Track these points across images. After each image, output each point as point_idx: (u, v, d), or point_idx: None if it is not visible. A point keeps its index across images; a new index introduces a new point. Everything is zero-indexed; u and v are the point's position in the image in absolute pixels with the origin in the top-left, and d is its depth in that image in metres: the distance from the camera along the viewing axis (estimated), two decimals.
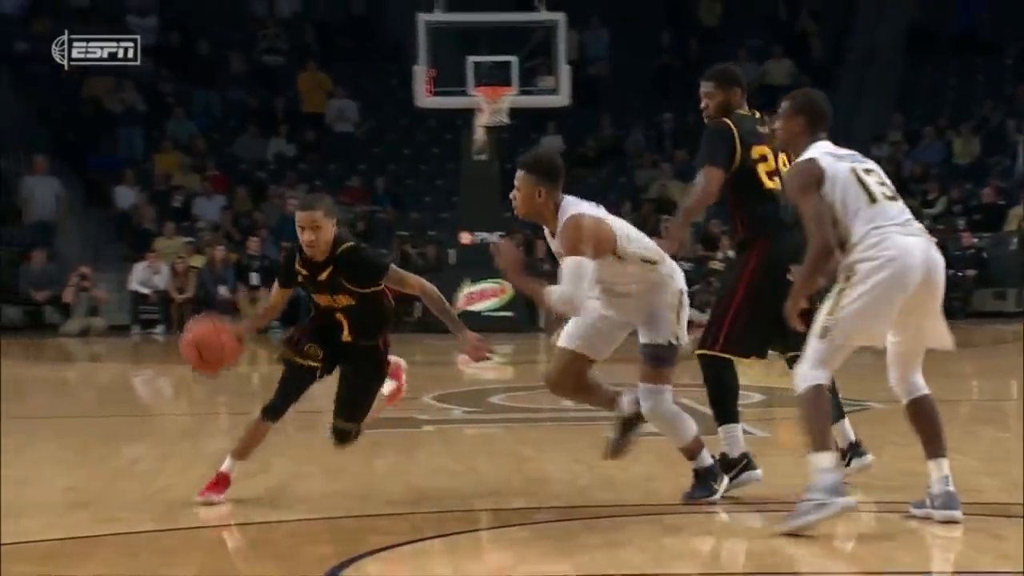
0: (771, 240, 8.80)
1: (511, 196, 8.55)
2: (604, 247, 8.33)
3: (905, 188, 28.94)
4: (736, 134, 8.83)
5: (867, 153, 29.06)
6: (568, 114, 30.45)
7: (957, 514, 7.62)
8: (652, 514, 8.49)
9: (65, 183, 29.68)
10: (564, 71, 25.55)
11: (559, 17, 25.73)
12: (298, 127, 32.30)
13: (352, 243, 8.96)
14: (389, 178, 32.13)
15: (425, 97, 25.35)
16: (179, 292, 26.96)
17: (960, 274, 27.60)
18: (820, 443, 7.54)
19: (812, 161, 7.74)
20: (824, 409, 7.59)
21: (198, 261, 27.62)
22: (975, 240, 28.55)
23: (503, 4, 26.89)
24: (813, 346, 7.62)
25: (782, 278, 8.44)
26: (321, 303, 9.07)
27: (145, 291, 27.09)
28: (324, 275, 8.86)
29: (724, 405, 9.07)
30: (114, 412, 16.31)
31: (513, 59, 25.03)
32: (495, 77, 24.67)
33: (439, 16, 25.75)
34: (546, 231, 8.62)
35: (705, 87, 9.37)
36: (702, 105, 9.39)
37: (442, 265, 27.52)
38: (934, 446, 7.74)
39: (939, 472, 7.71)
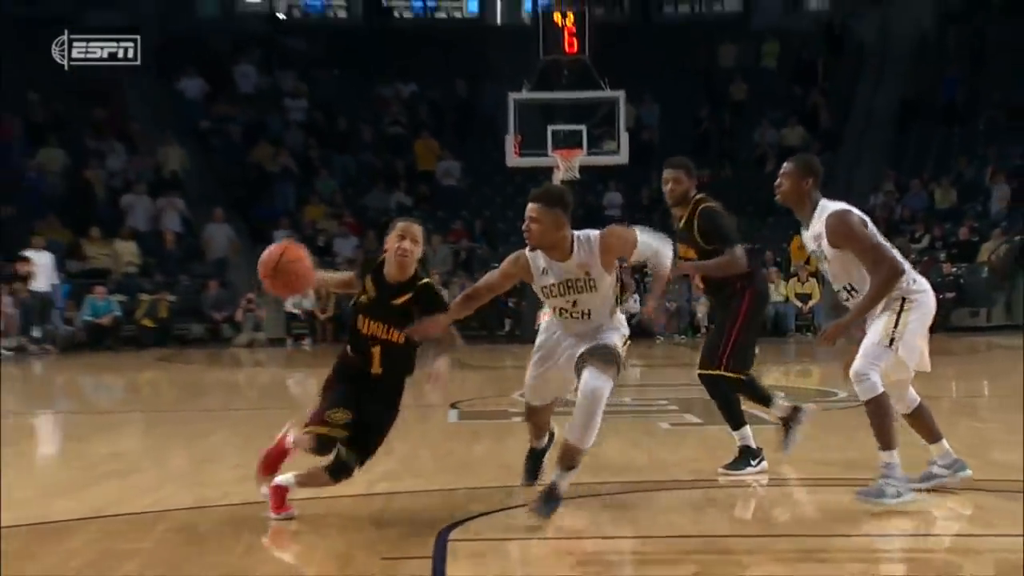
0: (756, 287, 9.14)
1: (524, 228, 7.50)
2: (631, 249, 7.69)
3: (896, 228, 28.73)
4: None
5: (865, 200, 28.67)
6: (626, 171, 30.37)
7: (970, 472, 7.76)
8: (697, 488, 8.44)
9: (235, 229, 29.87)
10: (624, 137, 25.46)
11: (620, 94, 25.69)
12: (414, 183, 32.33)
13: (429, 279, 7.64)
14: (485, 221, 32.10)
15: (514, 158, 25.35)
16: (322, 312, 27.11)
17: (941, 296, 27.24)
18: (889, 443, 7.43)
19: (851, 211, 7.59)
20: (890, 413, 7.48)
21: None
22: (953, 269, 28.28)
23: (576, 84, 26.86)
24: (878, 353, 7.45)
25: (762, 315, 9.35)
26: (367, 331, 7.47)
27: (296, 311, 27.25)
28: (401, 300, 7.40)
29: (733, 412, 9.03)
30: (272, 406, 16.36)
31: (583, 127, 24.99)
32: (569, 142, 24.61)
33: (525, 95, 25.80)
34: (544, 260, 7.53)
35: (675, 174, 9.09)
36: (668, 187, 9.15)
37: (526, 290, 27.42)
38: (933, 434, 7.78)
39: (941, 449, 7.78)
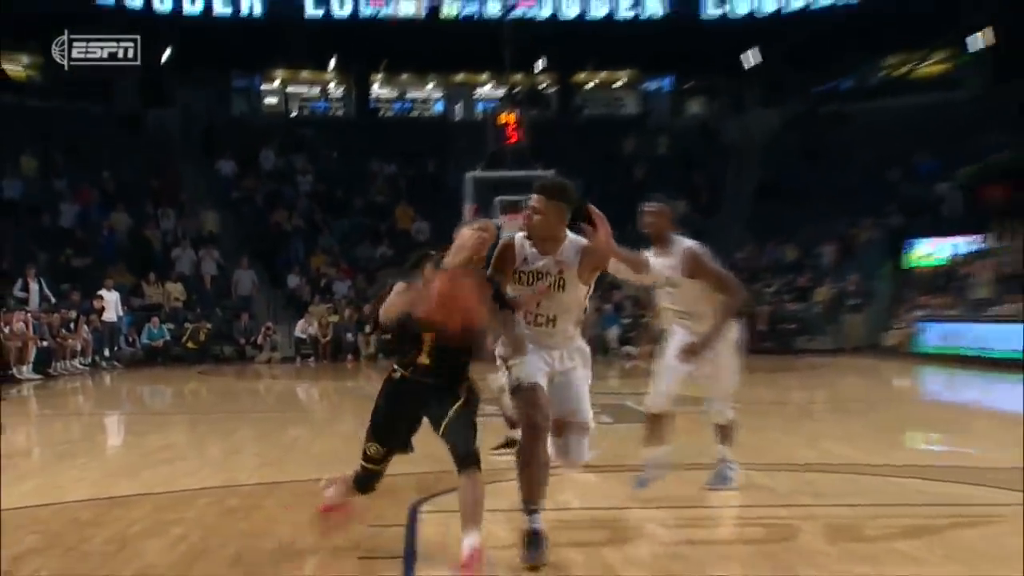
0: None
1: (525, 215, 5.95)
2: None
3: (756, 276, 28.95)
4: None
5: (733, 255, 28.55)
6: None
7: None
8: (602, 472, 8.45)
9: (258, 274, 29.73)
10: None
11: (550, 173, 25.89)
12: (394, 239, 32.19)
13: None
14: None
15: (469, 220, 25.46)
16: (323, 337, 26.96)
17: (787, 327, 27.66)
18: (732, 445, 7.52)
19: (703, 248, 7.19)
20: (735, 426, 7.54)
21: (335, 318, 27.62)
22: (796, 307, 28.52)
23: (516, 165, 27.08)
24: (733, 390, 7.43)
25: None
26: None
27: (303, 336, 27.05)
28: None
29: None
30: (285, 410, 16.30)
31: (523, 198, 25.17)
32: (512, 208, 24.71)
33: (480, 173, 25.99)
34: (529, 250, 5.90)
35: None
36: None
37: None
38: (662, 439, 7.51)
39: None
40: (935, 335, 24.56)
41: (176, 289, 28.33)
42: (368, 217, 33.63)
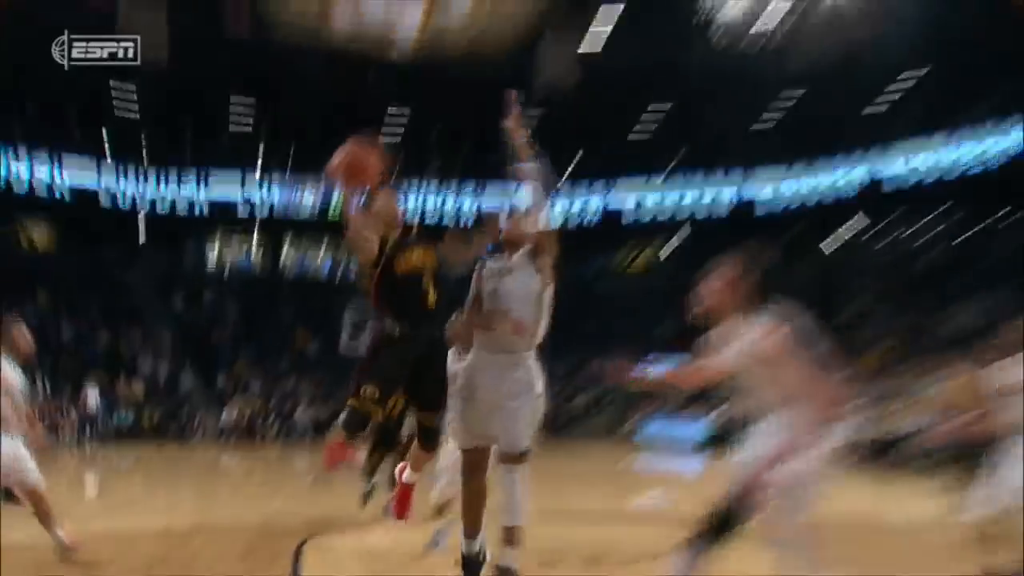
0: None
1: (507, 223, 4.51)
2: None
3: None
4: None
5: None
6: None
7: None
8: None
9: (197, 376, 28.76)
10: None
11: None
12: (295, 354, 31.46)
13: None
14: (335, 374, 31.28)
15: (345, 347, 25.30)
16: (241, 422, 26.11)
17: (566, 417, 28.07)
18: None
19: None
20: None
21: (249, 408, 26.80)
22: (570, 404, 28.95)
23: None
24: None
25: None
26: (410, 266, 4.40)
27: (227, 421, 26.05)
28: (411, 234, 4.53)
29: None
30: (212, 471, 15.70)
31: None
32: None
33: (352, 309, 25.87)
34: (494, 264, 4.44)
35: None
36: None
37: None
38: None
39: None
40: (652, 427, 25.53)
41: (139, 387, 27.35)
42: (276, 338, 33.06)
